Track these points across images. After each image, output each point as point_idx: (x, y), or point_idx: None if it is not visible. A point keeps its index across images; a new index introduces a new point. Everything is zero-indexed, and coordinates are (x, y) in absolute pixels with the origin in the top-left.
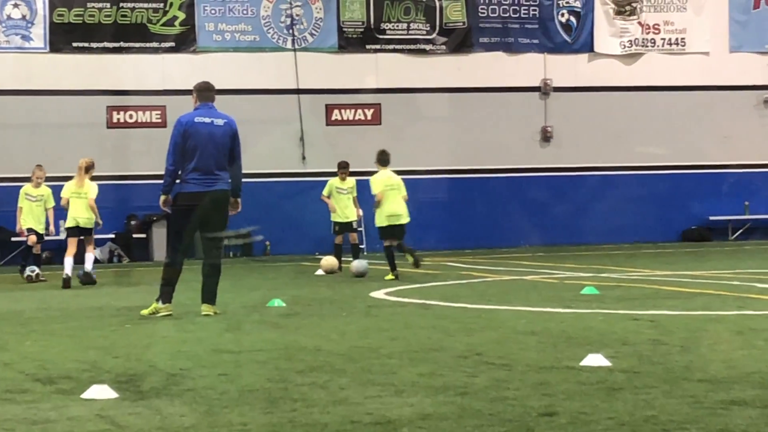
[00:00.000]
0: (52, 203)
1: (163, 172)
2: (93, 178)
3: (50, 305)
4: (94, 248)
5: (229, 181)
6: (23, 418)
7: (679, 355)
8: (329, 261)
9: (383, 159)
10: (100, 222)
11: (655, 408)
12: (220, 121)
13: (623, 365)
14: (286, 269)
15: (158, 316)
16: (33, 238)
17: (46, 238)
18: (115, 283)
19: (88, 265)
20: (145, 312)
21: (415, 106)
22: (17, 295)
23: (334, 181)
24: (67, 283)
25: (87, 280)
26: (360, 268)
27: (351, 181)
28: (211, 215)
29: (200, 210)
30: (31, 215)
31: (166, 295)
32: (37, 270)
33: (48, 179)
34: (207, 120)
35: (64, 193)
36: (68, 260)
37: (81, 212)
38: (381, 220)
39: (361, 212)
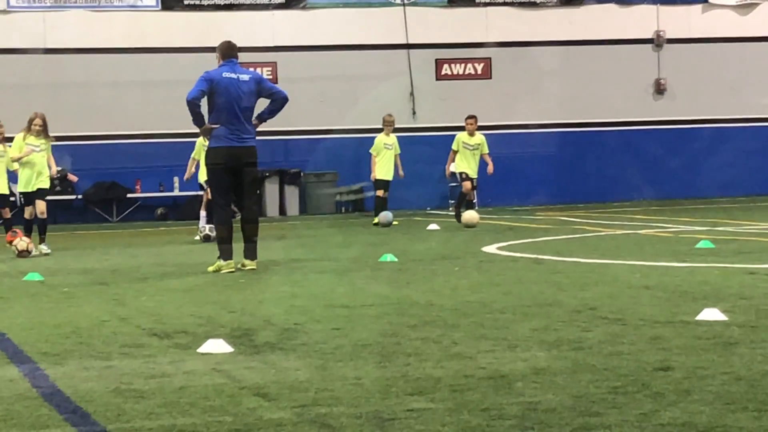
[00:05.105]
0: None
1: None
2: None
3: (166, 261)
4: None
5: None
6: (141, 372)
7: None
8: (470, 215)
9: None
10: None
11: None
12: (245, 77)
13: (740, 320)
14: (398, 224)
15: (223, 273)
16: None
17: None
18: None
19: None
20: (210, 269)
21: (526, 60)
22: (133, 251)
23: (461, 136)
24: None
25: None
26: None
27: (479, 137)
28: (246, 170)
29: (235, 166)
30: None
31: (226, 252)
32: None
33: (161, 136)
34: (233, 75)
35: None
36: (203, 213)
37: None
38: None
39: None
